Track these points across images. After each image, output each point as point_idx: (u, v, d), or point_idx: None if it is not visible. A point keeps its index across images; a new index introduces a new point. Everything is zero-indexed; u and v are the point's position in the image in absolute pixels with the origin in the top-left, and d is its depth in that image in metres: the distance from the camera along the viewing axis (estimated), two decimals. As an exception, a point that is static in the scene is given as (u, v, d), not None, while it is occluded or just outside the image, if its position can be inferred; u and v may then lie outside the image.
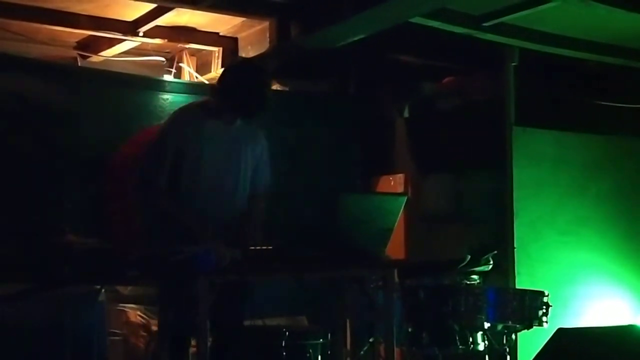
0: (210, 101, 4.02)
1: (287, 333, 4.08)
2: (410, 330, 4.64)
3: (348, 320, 4.64)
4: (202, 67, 6.69)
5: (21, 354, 4.48)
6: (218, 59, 6.49)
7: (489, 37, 5.19)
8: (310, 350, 4.14)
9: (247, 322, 4.07)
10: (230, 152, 3.97)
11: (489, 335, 4.64)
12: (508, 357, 4.68)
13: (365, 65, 6.57)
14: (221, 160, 3.94)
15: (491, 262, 5.04)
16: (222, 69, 4.15)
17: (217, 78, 4.05)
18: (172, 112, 5.56)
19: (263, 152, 4.13)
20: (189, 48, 6.51)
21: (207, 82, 6.56)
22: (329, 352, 4.25)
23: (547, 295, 4.58)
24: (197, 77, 6.62)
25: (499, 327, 4.65)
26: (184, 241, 3.65)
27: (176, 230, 3.77)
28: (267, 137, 5.96)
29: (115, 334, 5.34)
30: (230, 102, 3.87)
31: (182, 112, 4.04)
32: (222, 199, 3.93)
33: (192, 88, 6.10)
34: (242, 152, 4.02)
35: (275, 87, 6.57)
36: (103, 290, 4.90)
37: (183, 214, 3.83)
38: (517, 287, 5.14)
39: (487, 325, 4.60)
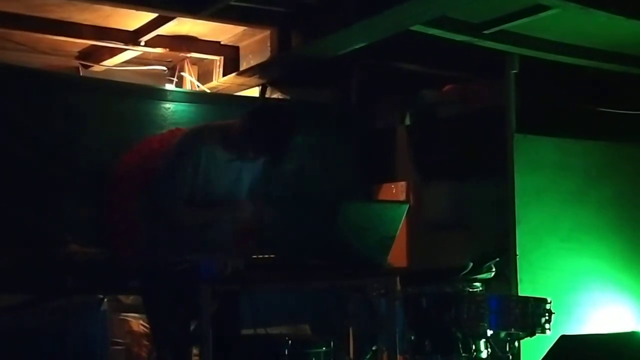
0: (230, 131, 3.95)
1: (289, 342, 4.09)
2: (412, 338, 4.64)
3: (351, 329, 4.64)
4: (204, 75, 6.71)
5: (24, 364, 4.49)
6: (219, 67, 6.51)
7: (490, 44, 5.20)
8: (313, 359, 4.14)
9: (250, 331, 4.07)
10: (233, 183, 3.99)
11: (492, 343, 4.64)
12: (511, 364, 4.69)
13: (367, 73, 6.59)
14: (223, 190, 3.96)
15: (493, 270, 5.04)
16: (253, 108, 4.07)
17: (248, 115, 3.94)
18: (174, 122, 5.64)
19: (255, 168, 4.14)
20: (190, 57, 6.53)
21: (208, 90, 6.58)
22: (331, 361, 4.25)
23: (550, 303, 4.58)
24: (198, 86, 6.63)
25: (502, 334, 4.64)
26: (186, 251, 3.66)
27: (179, 239, 3.78)
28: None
29: (117, 344, 5.34)
30: (260, 144, 3.83)
31: (198, 135, 3.99)
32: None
33: (194, 97, 6.11)
34: (243, 183, 4.05)
35: (277, 95, 6.60)
36: (105, 299, 4.90)
37: (204, 214, 3.87)
38: (520, 294, 5.14)
39: (490, 332, 4.59)
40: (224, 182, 3.92)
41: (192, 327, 3.85)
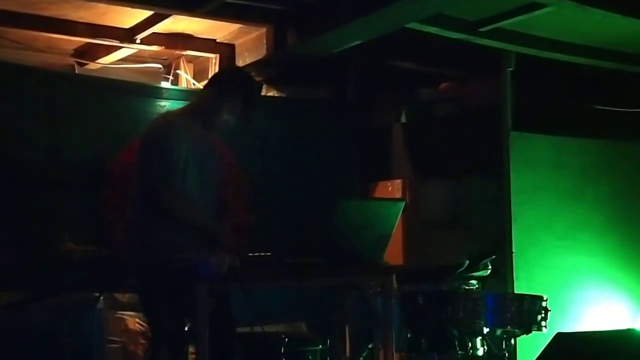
0: (200, 107, 3.98)
1: (286, 339, 4.08)
2: (409, 336, 4.64)
3: (347, 327, 4.63)
4: (200, 73, 6.70)
5: (20, 362, 4.49)
6: (215, 65, 6.50)
7: (486, 42, 5.20)
8: (310, 357, 4.15)
9: (246, 329, 4.07)
10: (209, 160, 3.99)
11: (488, 341, 4.64)
12: (507, 362, 4.69)
13: (363, 71, 6.59)
14: (205, 168, 3.94)
15: (489, 268, 5.04)
16: (212, 77, 4.20)
17: (215, 84, 4.03)
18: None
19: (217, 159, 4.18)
20: (186, 55, 6.52)
21: (204, 88, 6.57)
22: (328, 359, 4.25)
23: (546, 300, 4.58)
24: (194, 84, 6.62)
25: (498, 332, 4.64)
26: (183, 249, 3.65)
27: (176, 237, 3.77)
28: (264, 143, 6.00)
29: (113, 342, 5.34)
30: (236, 104, 3.89)
31: (174, 118, 3.97)
32: (208, 207, 3.96)
33: (190, 95, 6.09)
34: (216, 159, 4.09)
35: (273, 93, 6.60)
36: (101, 297, 4.90)
37: (201, 216, 3.84)
38: (516, 292, 5.14)
39: (486, 330, 4.59)
40: (201, 165, 3.90)
41: (187, 326, 3.84)
